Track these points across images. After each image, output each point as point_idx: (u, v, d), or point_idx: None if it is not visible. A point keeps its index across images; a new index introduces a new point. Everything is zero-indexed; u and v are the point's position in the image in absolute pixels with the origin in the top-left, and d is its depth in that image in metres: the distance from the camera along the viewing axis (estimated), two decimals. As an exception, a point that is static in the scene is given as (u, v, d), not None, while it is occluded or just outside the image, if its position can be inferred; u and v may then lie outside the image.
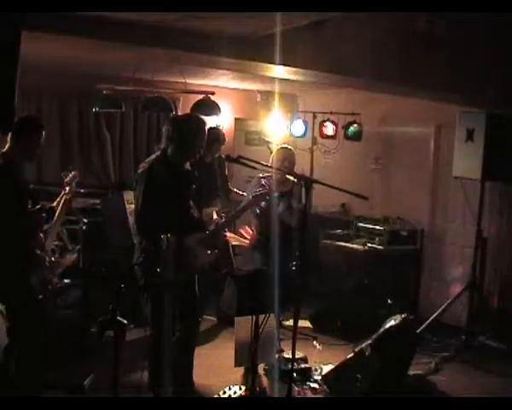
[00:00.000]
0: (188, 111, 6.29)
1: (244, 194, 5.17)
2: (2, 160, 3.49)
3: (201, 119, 4.01)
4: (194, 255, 3.80)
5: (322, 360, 4.68)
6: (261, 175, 4.84)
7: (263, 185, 4.71)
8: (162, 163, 3.79)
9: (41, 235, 3.74)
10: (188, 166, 3.91)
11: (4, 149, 3.52)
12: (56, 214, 3.94)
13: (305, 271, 3.57)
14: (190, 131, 3.81)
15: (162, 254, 3.36)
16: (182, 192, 3.81)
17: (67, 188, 4.10)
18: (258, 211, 4.64)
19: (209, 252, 3.94)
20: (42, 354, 3.60)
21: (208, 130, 4.18)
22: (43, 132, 3.64)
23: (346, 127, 6.55)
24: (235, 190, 5.95)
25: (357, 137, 6.57)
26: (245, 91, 7.61)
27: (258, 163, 3.70)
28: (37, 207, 3.68)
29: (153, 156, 3.91)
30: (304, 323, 5.59)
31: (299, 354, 4.48)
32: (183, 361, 3.93)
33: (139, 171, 3.85)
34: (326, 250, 6.38)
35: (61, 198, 4.04)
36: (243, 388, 3.93)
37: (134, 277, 3.82)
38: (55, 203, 4.02)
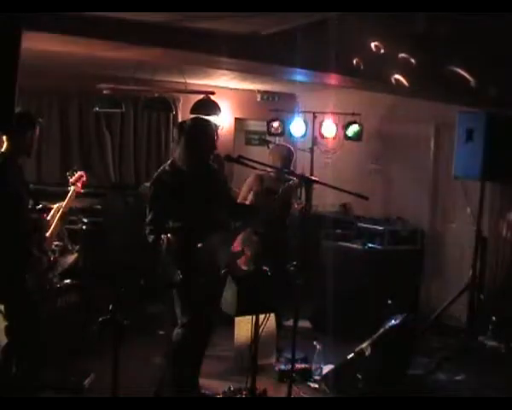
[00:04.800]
0: (188, 111, 6.30)
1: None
2: (1, 159, 3.49)
3: (207, 121, 4.02)
4: (215, 255, 3.81)
5: (323, 360, 4.68)
6: (258, 172, 4.85)
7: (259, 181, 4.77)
8: (171, 168, 3.80)
9: (40, 235, 3.74)
10: (204, 167, 3.91)
11: (2, 149, 3.52)
12: (59, 214, 3.95)
13: (304, 271, 3.57)
14: (196, 134, 3.81)
15: (163, 254, 3.37)
16: (193, 195, 3.77)
17: (72, 187, 4.12)
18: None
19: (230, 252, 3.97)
20: (40, 353, 3.60)
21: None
22: (38, 128, 3.63)
23: (346, 127, 6.55)
24: (234, 188, 5.95)
25: (357, 137, 6.58)
26: (245, 91, 7.61)
27: (258, 163, 3.70)
28: (38, 207, 3.69)
29: (166, 162, 3.94)
30: (304, 323, 5.59)
31: (299, 354, 4.48)
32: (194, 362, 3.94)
33: (155, 175, 3.87)
34: (326, 250, 6.37)
35: (69, 198, 4.06)
36: (243, 388, 3.93)
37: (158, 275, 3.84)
38: (64, 203, 4.03)
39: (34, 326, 3.51)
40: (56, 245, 4.07)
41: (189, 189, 3.71)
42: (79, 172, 4.25)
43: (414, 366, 4.59)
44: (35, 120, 3.64)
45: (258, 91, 7.63)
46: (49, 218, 3.89)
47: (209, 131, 3.88)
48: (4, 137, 3.50)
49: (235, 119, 7.81)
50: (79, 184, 4.20)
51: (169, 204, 3.63)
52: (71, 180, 4.19)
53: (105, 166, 6.89)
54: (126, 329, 2.93)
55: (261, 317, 3.58)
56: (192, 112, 6.11)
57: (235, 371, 4.40)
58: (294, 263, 4.41)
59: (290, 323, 3.76)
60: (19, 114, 3.56)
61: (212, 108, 6.16)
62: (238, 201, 4.90)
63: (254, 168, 3.90)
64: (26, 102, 6.14)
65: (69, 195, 4.10)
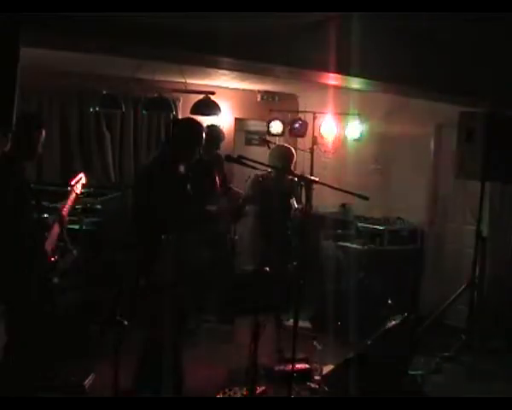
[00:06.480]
0: (188, 111, 6.30)
1: (242, 192, 5.19)
2: (4, 160, 3.48)
3: (199, 123, 4.06)
4: (190, 256, 3.81)
5: (322, 360, 4.68)
6: (259, 173, 4.85)
7: (259, 182, 4.76)
8: (159, 163, 3.82)
9: (41, 235, 3.74)
10: (182, 167, 3.92)
11: (6, 149, 3.52)
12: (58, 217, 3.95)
13: (305, 271, 3.57)
14: (186, 134, 3.86)
15: (159, 253, 3.36)
16: (177, 192, 3.80)
17: (73, 190, 4.12)
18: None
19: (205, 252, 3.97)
20: (41, 353, 3.60)
21: (206, 128, 4.21)
22: (44, 131, 3.64)
23: (346, 127, 6.56)
24: (234, 188, 5.95)
25: (357, 137, 6.58)
26: (245, 91, 7.61)
27: (258, 163, 3.70)
28: (39, 207, 3.69)
29: (151, 157, 3.95)
30: (304, 323, 5.59)
31: (299, 354, 4.48)
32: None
33: (139, 170, 3.89)
34: (326, 250, 6.37)
35: (70, 200, 4.07)
36: (243, 388, 3.93)
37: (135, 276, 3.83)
38: (66, 206, 4.03)
39: (35, 326, 3.51)
40: (56, 245, 4.07)
41: (175, 185, 3.74)
42: (80, 175, 4.24)
43: (414, 366, 4.58)
44: (41, 123, 3.63)
45: (259, 91, 7.62)
46: (50, 220, 3.90)
47: (198, 132, 3.92)
48: (9, 137, 3.50)
49: (235, 119, 7.81)
50: (79, 186, 4.20)
51: (155, 199, 3.66)
52: (71, 183, 4.18)
53: (105, 166, 6.88)
54: (126, 329, 2.93)
55: (261, 317, 3.58)
56: (192, 112, 6.11)
57: (235, 372, 4.40)
58: (294, 263, 4.43)
59: (290, 323, 3.76)
60: (24, 115, 3.56)
61: (212, 108, 6.16)
62: (241, 202, 4.93)
63: (254, 168, 3.91)
64: (26, 102, 6.14)
65: (69, 198, 4.09)
